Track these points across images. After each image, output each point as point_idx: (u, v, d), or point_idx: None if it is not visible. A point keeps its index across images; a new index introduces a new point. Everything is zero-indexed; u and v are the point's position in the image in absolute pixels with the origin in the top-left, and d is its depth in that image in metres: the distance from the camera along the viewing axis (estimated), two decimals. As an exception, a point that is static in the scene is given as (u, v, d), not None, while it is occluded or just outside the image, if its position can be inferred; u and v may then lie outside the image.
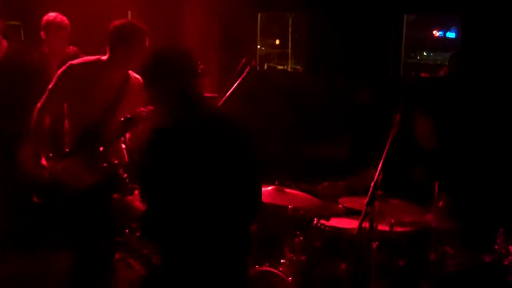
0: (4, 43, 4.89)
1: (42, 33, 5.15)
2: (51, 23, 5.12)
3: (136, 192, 2.99)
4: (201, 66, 4.06)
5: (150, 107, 3.30)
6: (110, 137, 3.89)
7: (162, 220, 2.73)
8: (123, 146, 4.24)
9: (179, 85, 2.84)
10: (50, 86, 3.98)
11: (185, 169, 2.70)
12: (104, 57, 3.96)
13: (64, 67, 3.97)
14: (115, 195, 2.99)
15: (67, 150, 4.01)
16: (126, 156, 4.27)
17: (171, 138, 2.73)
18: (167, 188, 2.70)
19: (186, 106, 2.83)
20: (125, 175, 3.07)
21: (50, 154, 4.00)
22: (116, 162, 3.15)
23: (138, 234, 3.63)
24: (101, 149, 3.25)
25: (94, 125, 3.92)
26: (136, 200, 2.93)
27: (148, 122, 3.52)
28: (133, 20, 4.01)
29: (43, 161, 3.97)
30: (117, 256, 3.73)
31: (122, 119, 3.48)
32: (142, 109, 3.67)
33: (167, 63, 2.86)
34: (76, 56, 4.92)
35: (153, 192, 2.74)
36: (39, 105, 3.98)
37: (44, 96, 3.98)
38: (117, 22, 3.90)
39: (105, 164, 3.19)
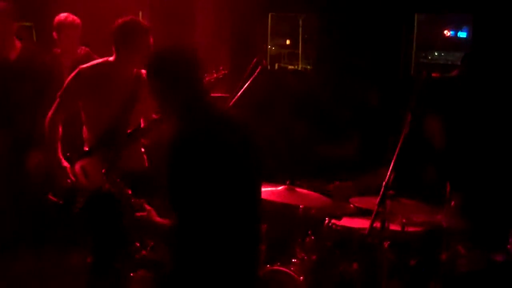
0: (18, 44, 4.93)
1: (54, 33, 5.18)
2: (63, 23, 5.14)
3: (148, 207, 2.91)
4: (223, 72, 4.08)
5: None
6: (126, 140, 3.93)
7: (194, 230, 2.69)
8: (143, 150, 4.26)
9: (188, 86, 2.78)
10: (60, 92, 3.99)
11: (211, 175, 2.66)
12: (111, 58, 3.97)
13: (73, 73, 3.98)
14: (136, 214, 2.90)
15: (85, 150, 4.04)
16: (146, 160, 4.28)
17: (194, 146, 2.67)
18: (197, 197, 2.66)
19: (198, 110, 2.78)
20: (129, 191, 2.99)
21: (68, 154, 4.02)
22: (118, 180, 3.08)
23: (150, 246, 3.62)
24: (104, 170, 3.22)
25: (112, 126, 3.93)
26: (152, 215, 2.85)
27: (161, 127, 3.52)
28: (135, 17, 3.98)
29: (64, 163, 3.97)
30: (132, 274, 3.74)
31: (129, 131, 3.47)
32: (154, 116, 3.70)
33: (174, 63, 2.79)
34: (88, 57, 4.95)
35: (184, 203, 2.69)
36: (50, 113, 3.99)
37: (55, 103, 3.99)
38: (118, 22, 3.89)
39: (108, 185, 3.14)
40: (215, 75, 4.05)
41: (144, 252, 3.62)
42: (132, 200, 2.93)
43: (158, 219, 2.84)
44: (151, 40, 3.90)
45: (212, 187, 2.67)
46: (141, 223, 2.86)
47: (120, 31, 3.87)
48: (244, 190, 2.81)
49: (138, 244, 3.64)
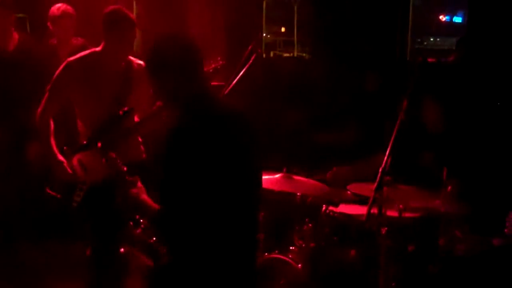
0: (15, 35, 4.93)
1: (49, 24, 5.17)
2: (57, 14, 5.13)
3: (140, 184, 2.92)
4: (221, 62, 4.06)
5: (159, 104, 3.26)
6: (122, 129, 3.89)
7: (180, 219, 2.68)
8: (140, 140, 4.23)
9: (191, 77, 2.74)
10: (49, 86, 3.95)
11: (207, 167, 2.64)
12: (98, 48, 3.94)
13: (61, 66, 3.94)
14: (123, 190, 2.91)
15: (81, 143, 3.96)
16: (143, 151, 4.26)
17: (192, 136, 2.64)
18: (190, 187, 2.63)
19: (198, 100, 2.75)
20: (125, 168, 2.99)
21: (64, 148, 3.98)
22: (113, 156, 3.08)
23: (142, 226, 3.61)
24: (99, 144, 3.20)
25: (107, 117, 3.85)
26: (142, 193, 2.87)
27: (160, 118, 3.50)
28: (122, 8, 3.94)
29: (60, 157, 3.95)
30: (122, 249, 3.71)
31: (120, 112, 3.45)
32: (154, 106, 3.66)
33: (175, 53, 2.73)
34: (83, 47, 4.92)
35: (175, 192, 2.67)
36: (40, 108, 3.96)
37: (45, 98, 3.95)
38: (105, 10, 3.88)
39: (104, 160, 3.14)
40: (213, 66, 4.04)
41: (138, 230, 3.60)
42: (127, 177, 2.92)
43: (146, 198, 2.84)
44: (136, 33, 3.89)
45: (212, 178, 2.65)
46: (131, 199, 2.86)
47: (105, 21, 3.86)
48: (244, 181, 2.80)
49: (131, 223, 3.61)
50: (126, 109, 3.52)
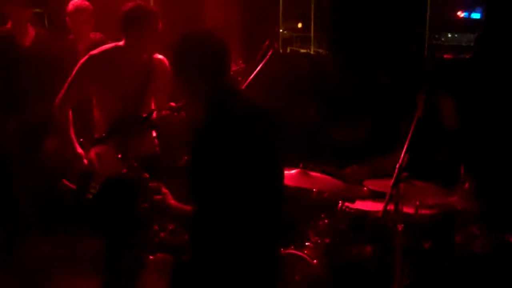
0: (32, 31, 4.96)
1: (67, 19, 5.19)
2: (74, 9, 5.15)
3: (164, 190, 2.90)
4: (242, 65, 4.05)
5: (173, 104, 3.27)
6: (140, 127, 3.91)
7: (215, 217, 2.69)
8: (154, 134, 4.24)
9: (214, 76, 2.73)
10: (70, 78, 3.96)
11: (235, 164, 2.64)
12: (121, 43, 3.95)
13: (83, 59, 3.96)
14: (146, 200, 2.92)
15: (99, 136, 4.01)
16: (157, 145, 4.24)
17: (219, 136, 2.64)
18: (224, 184, 2.64)
19: (224, 99, 2.74)
20: (147, 175, 3.00)
21: (82, 140, 4.01)
22: (136, 165, 3.09)
23: (169, 230, 3.61)
24: (120, 155, 3.21)
25: (126, 112, 3.91)
26: (169, 198, 2.86)
27: (179, 117, 3.50)
28: (142, 3, 3.92)
29: (79, 149, 3.97)
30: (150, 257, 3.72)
31: (143, 115, 3.49)
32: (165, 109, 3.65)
33: (200, 53, 2.72)
34: (102, 42, 4.94)
35: (208, 190, 2.67)
36: (59, 98, 3.96)
37: (64, 88, 3.96)
38: (126, 6, 3.85)
39: (124, 170, 3.17)
40: (233, 69, 4.02)
41: (162, 234, 3.62)
42: (150, 184, 2.94)
43: (173, 202, 2.84)
44: (160, 24, 3.87)
45: (238, 174, 2.66)
46: (158, 206, 2.87)
47: (127, 17, 3.84)
48: (267, 176, 2.81)
49: (156, 227, 3.63)
50: (145, 115, 3.55)
